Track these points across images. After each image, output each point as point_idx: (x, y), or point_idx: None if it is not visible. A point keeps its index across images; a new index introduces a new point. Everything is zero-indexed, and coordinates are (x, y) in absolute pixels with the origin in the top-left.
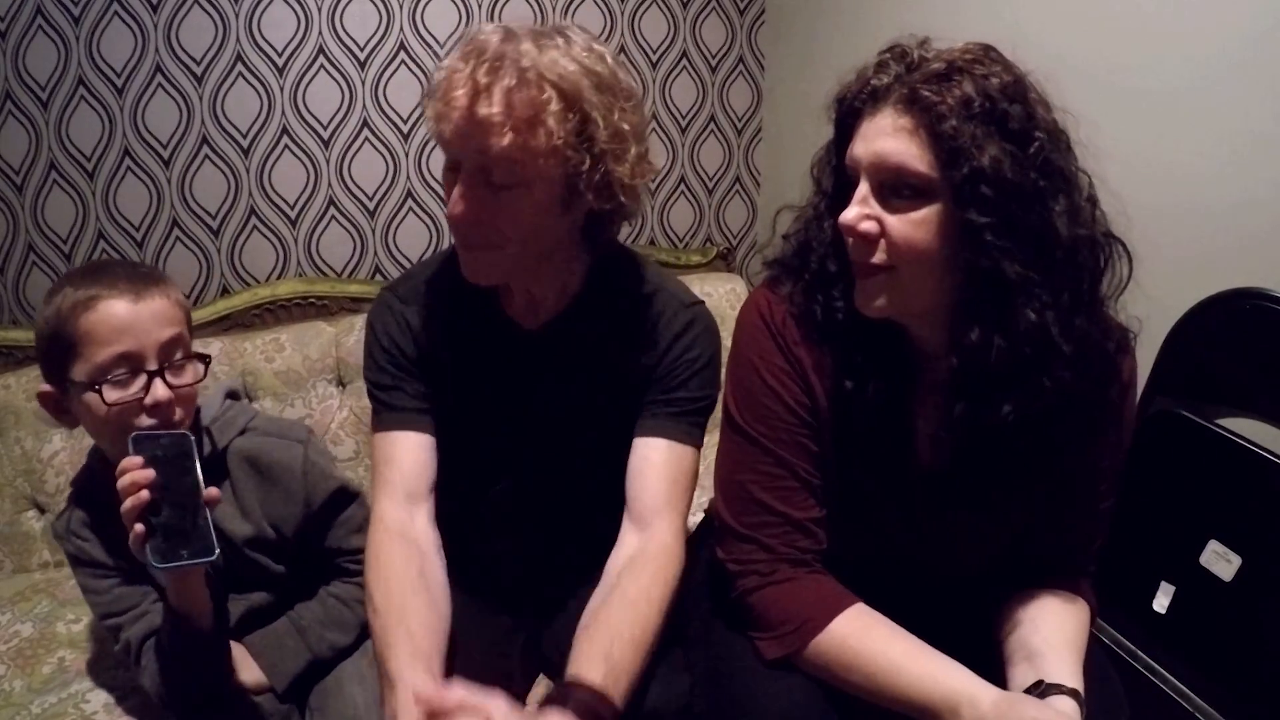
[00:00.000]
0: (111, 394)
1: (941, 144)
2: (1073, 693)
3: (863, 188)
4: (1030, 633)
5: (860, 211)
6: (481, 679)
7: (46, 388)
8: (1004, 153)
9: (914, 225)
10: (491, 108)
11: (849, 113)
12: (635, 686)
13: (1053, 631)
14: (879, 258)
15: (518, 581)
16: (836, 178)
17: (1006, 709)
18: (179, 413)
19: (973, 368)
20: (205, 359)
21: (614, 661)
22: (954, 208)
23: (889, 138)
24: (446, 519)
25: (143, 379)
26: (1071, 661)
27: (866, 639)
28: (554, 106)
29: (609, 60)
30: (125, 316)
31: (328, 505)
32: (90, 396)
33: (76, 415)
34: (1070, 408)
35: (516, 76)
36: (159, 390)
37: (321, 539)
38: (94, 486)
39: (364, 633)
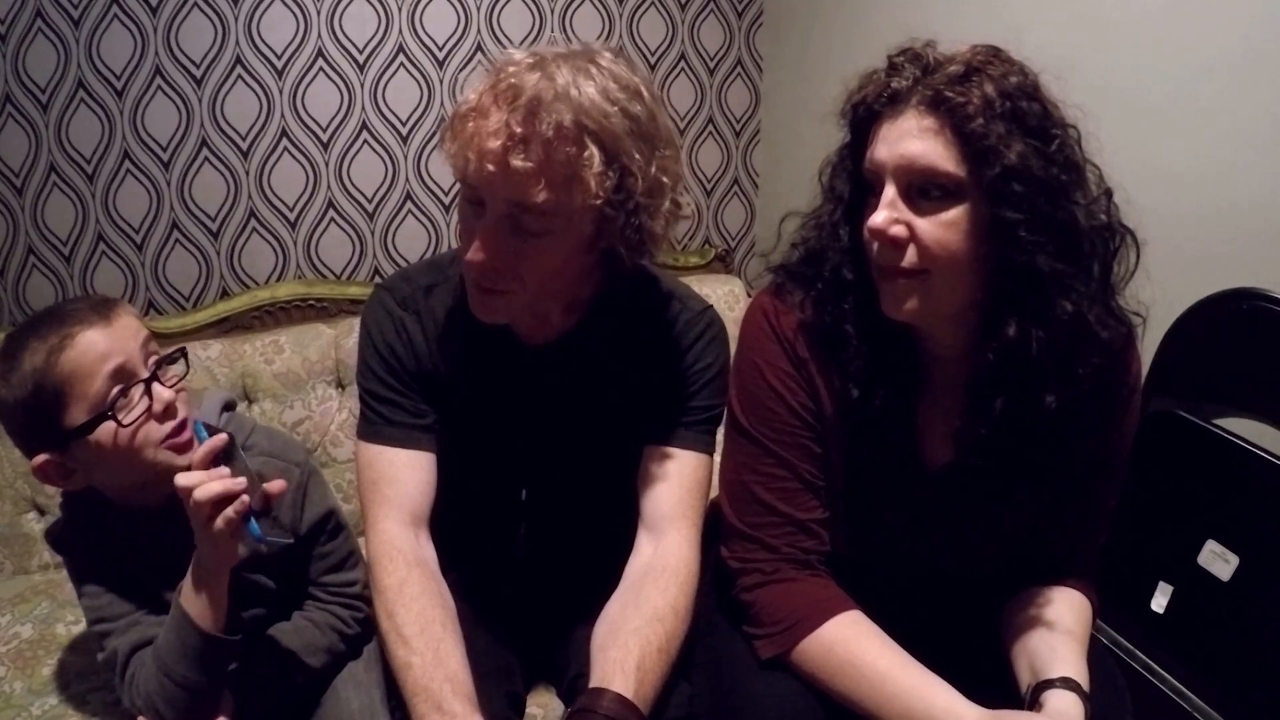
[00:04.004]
0: (124, 415)
1: (969, 144)
2: (1065, 681)
3: (889, 191)
4: (1032, 628)
5: (890, 215)
6: (482, 682)
7: (42, 458)
8: (1030, 149)
9: (944, 227)
10: (528, 161)
11: (866, 116)
12: (659, 697)
13: (1054, 626)
14: (909, 261)
15: (523, 592)
16: (853, 183)
17: None
18: (182, 410)
19: (1012, 362)
20: (181, 352)
21: (645, 672)
22: (985, 206)
23: (915, 139)
24: (449, 530)
25: (140, 391)
26: (1072, 654)
27: (855, 647)
28: (595, 166)
29: (646, 97)
30: (105, 340)
31: (313, 533)
32: (103, 429)
33: (85, 467)
34: (1087, 400)
35: (554, 127)
36: (162, 393)
37: (303, 565)
38: (85, 498)
39: (359, 640)
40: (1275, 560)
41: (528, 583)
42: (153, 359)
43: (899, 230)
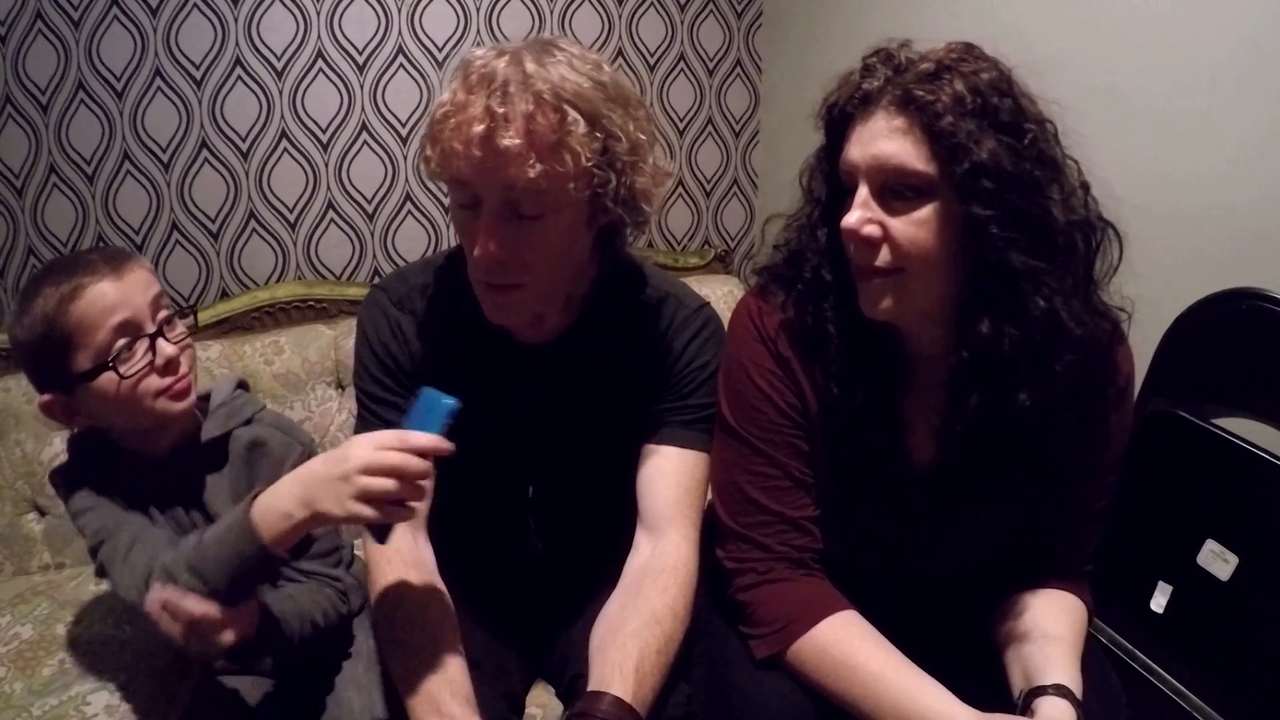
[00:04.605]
0: (125, 367)
1: (939, 141)
2: (1058, 689)
3: (862, 191)
4: (1024, 633)
5: (863, 215)
6: (481, 682)
7: (48, 396)
8: (1001, 145)
9: (917, 225)
10: (514, 137)
11: (840, 119)
12: (657, 698)
13: (1046, 631)
14: (883, 260)
15: (521, 590)
16: (829, 184)
17: None
18: (184, 364)
19: (985, 359)
20: (192, 309)
21: (643, 675)
22: (956, 204)
23: (885, 139)
24: (459, 529)
25: (145, 346)
26: (1064, 659)
27: (849, 648)
28: (579, 130)
29: (606, 69)
30: (114, 293)
31: None
32: (105, 377)
33: (88, 409)
34: (1071, 398)
35: (533, 100)
36: (166, 349)
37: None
38: (91, 443)
39: (345, 627)
40: (1275, 560)
41: (539, 580)
42: (162, 313)
43: (872, 230)
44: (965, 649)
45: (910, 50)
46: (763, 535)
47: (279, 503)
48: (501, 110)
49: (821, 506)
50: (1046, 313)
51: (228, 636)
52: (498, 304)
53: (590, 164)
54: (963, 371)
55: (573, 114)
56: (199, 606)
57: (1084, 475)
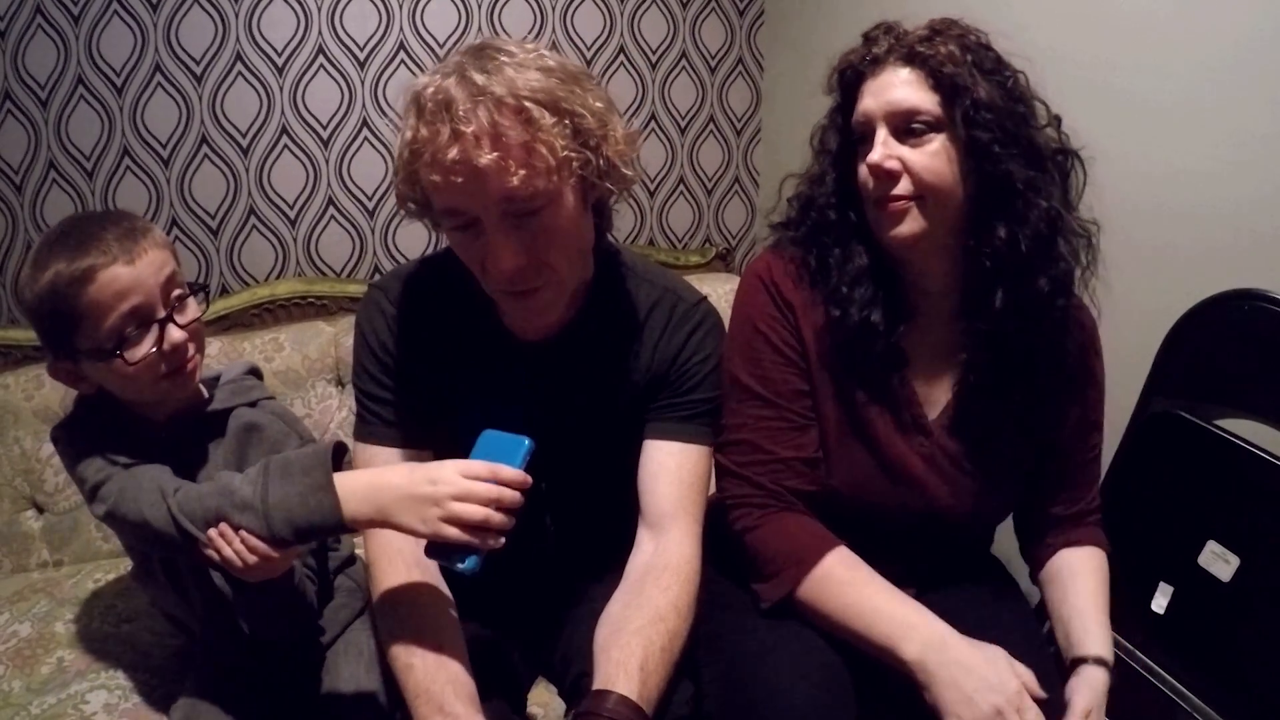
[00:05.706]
0: (132, 353)
1: (942, 84)
2: (1098, 660)
3: (881, 133)
4: (1059, 600)
5: (884, 151)
6: (483, 682)
7: (55, 362)
8: (992, 85)
9: (931, 155)
10: (489, 152)
11: (854, 79)
12: (663, 697)
13: (1077, 596)
14: (903, 189)
15: (526, 589)
16: (842, 137)
17: (933, 653)
18: (191, 348)
19: (1004, 259)
20: (204, 288)
21: (648, 673)
22: (962, 132)
23: (897, 88)
24: None
25: (154, 331)
26: (1098, 627)
27: (846, 582)
28: (546, 122)
29: (547, 55)
30: (127, 279)
31: None
32: (112, 362)
33: (95, 379)
34: (1064, 322)
35: (494, 109)
36: (174, 334)
37: None
38: (95, 403)
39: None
40: (1276, 561)
41: (547, 578)
42: (175, 293)
43: (893, 164)
44: (963, 591)
45: (904, 25)
46: (755, 474)
47: (357, 494)
48: (468, 130)
49: (829, 442)
50: (1047, 211)
51: (273, 572)
52: (527, 309)
53: (566, 151)
54: (983, 280)
55: (535, 109)
56: (262, 546)
57: (1072, 426)
